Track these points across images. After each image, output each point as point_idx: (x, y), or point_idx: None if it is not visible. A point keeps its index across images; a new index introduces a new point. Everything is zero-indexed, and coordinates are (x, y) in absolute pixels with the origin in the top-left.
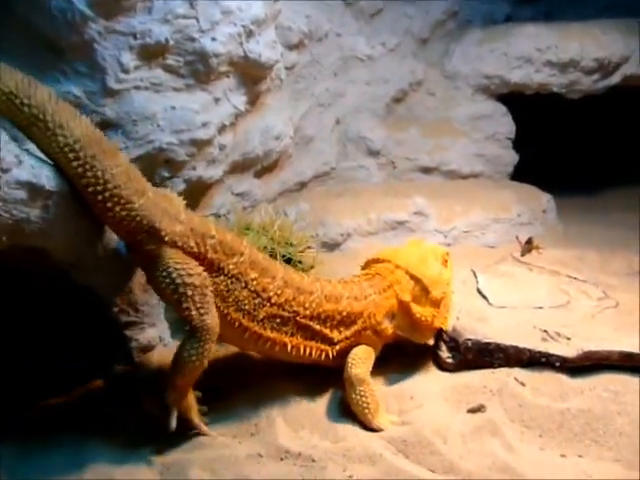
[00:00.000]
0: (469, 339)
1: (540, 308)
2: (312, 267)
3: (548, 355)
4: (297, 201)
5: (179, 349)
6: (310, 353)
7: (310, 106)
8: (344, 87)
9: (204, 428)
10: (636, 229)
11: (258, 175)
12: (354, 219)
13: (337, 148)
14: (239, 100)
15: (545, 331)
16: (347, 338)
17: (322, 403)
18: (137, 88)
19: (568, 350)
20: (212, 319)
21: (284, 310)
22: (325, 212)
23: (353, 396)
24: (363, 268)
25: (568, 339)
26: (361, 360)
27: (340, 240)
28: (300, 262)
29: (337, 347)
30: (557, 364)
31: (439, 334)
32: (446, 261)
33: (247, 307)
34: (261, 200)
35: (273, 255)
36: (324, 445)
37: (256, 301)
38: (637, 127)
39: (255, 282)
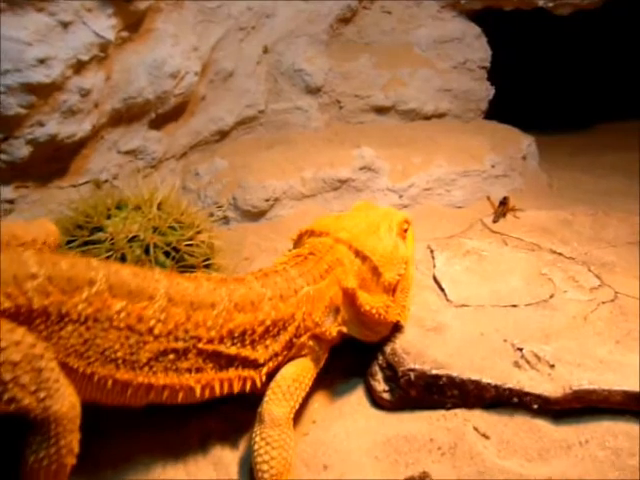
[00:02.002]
0: (411, 369)
1: (514, 307)
2: (207, 259)
3: (522, 394)
4: (213, 157)
5: (25, 454)
6: (229, 387)
7: (227, 31)
8: (273, 5)
9: None
10: (635, 175)
11: (156, 125)
12: (284, 179)
13: (266, 85)
14: (104, 25)
15: (520, 349)
16: (277, 354)
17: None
18: None
19: (551, 386)
20: (61, 401)
21: (177, 340)
22: (247, 170)
23: (257, 441)
24: (295, 245)
25: (551, 367)
26: (286, 389)
27: (265, 207)
28: (192, 255)
29: (265, 369)
30: (535, 406)
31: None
32: (405, 230)
33: (120, 354)
34: (165, 158)
35: (142, 247)
36: None
37: (131, 340)
38: (637, 50)
39: (123, 314)
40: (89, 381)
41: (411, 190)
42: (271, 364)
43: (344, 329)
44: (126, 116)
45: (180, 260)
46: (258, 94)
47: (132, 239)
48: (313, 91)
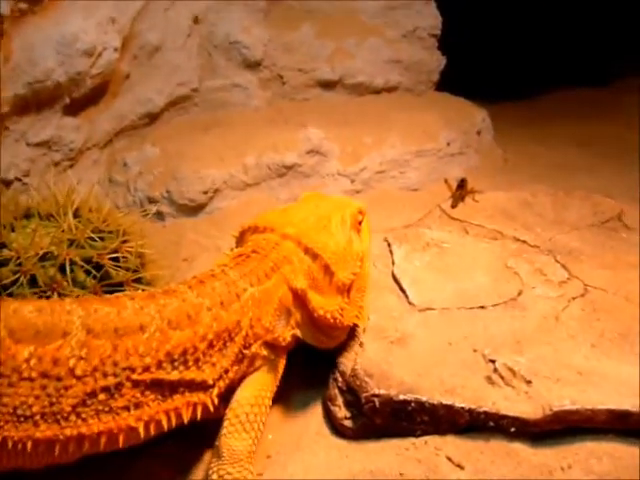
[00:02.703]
0: (376, 394)
1: (482, 308)
2: (135, 271)
3: (498, 417)
4: (143, 144)
5: None
6: (178, 417)
7: None
8: None
9: None
10: (588, 146)
11: (72, 111)
12: (223, 167)
13: (199, 60)
14: None
15: (492, 361)
16: (227, 370)
17: None
18: None
19: (528, 407)
20: None
21: (106, 376)
22: (182, 158)
23: (215, 479)
24: (237, 243)
25: (528, 383)
26: (245, 418)
27: (204, 200)
28: (118, 269)
29: (216, 389)
30: (512, 429)
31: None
32: (359, 222)
33: (36, 408)
34: (87, 147)
35: (56, 266)
36: None
37: (49, 389)
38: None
39: (34, 361)
40: (3, 448)
41: (363, 174)
42: (222, 383)
43: (298, 333)
44: (34, 103)
45: (104, 277)
46: (190, 70)
47: (44, 256)
48: (252, 65)
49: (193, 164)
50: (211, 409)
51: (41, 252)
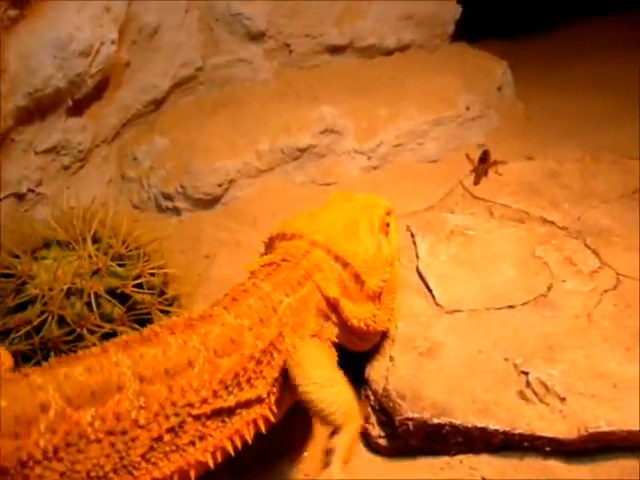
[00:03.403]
0: (409, 418)
1: (511, 307)
2: (160, 292)
3: (533, 438)
4: (152, 134)
5: None
6: (241, 438)
7: None
8: None
9: None
10: (609, 91)
11: (76, 112)
12: (236, 156)
13: (200, 37)
14: None
15: (524, 373)
16: (276, 378)
17: None
18: None
19: (564, 427)
20: None
21: (168, 418)
22: (193, 150)
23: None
24: (266, 249)
25: (562, 400)
26: (322, 382)
27: (219, 192)
28: (143, 293)
29: (272, 398)
30: (547, 449)
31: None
32: (387, 225)
33: (109, 466)
34: (95, 145)
35: (82, 300)
36: None
37: (118, 445)
38: None
39: (98, 422)
40: None
41: (380, 149)
42: (275, 389)
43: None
44: (36, 111)
45: (130, 307)
46: (192, 49)
47: (68, 290)
48: (256, 37)
49: (205, 156)
50: (272, 419)
51: (65, 287)
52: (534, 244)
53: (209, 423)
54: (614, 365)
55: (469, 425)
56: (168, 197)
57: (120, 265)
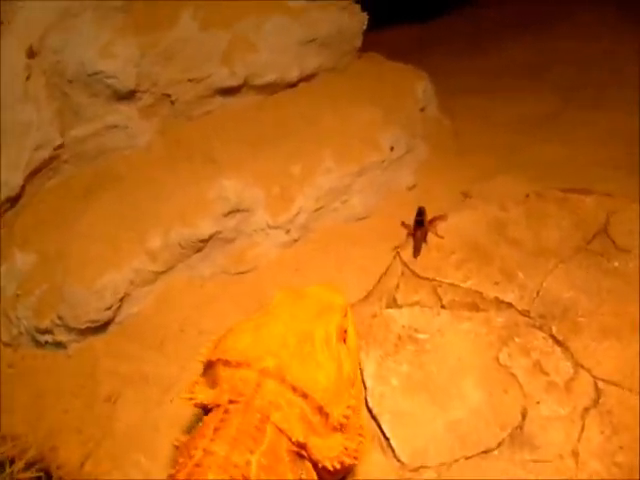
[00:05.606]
0: None
1: (485, 453)
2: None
3: None
4: (11, 247)
5: None
6: None
7: None
8: None
9: None
10: (548, 73)
11: None
12: (122, 264)
13: (53, 106)
14: None
15: None
16: None
17: None
18: None
19: None
20: None
21: None
22: (66, 264)
23: None
24: (204, 373)
25: None
26: None
27: (109, 315)
28: None
29: None
30: None
31: None
32: (344, 331)
33: None
34: None
35: None
36: None
37: None
38: None
39: None
40: None
41: (298, 218)
42: None
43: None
44: None
45: None
46: (46, 124)
47: None
48: (126, 96)
49: (83, 271)
50: None
51: None
52: (495, 345)
53: None
54: None
55: None
56: (45, 331)
57: None
